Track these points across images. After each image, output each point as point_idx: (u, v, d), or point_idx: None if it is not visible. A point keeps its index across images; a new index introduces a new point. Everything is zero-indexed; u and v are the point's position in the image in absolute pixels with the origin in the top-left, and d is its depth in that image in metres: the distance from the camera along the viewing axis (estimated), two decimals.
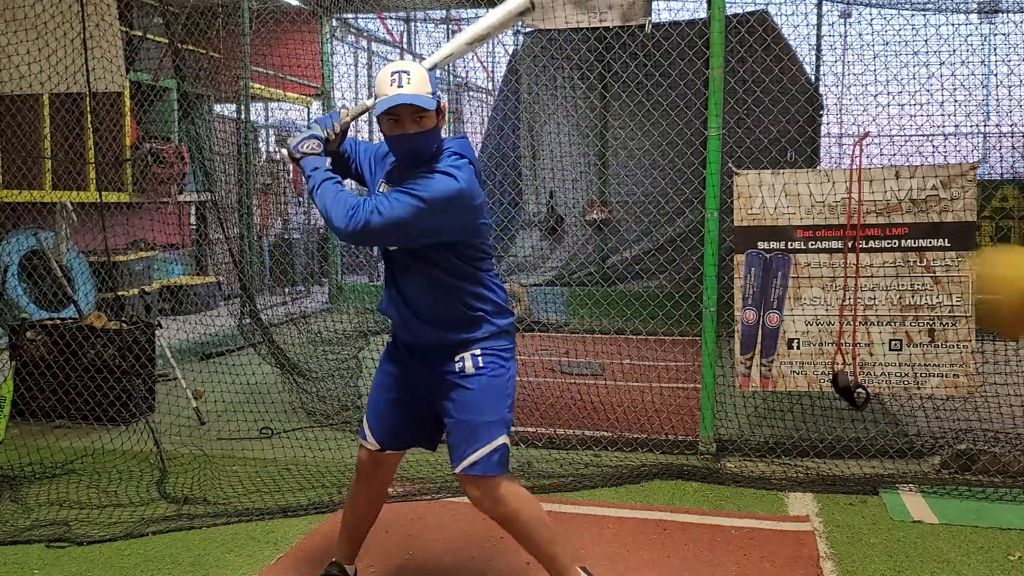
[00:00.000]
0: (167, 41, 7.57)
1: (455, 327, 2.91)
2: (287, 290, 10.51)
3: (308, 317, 8.00)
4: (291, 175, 12.55)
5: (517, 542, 2.99)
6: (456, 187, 2.75)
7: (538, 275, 10.08)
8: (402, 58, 14.73)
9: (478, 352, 2.91)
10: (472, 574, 3.48)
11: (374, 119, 3.27)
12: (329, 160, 2.98)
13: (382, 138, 2.94)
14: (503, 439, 2.90)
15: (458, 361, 2.91)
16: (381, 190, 2.94)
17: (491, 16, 3.08)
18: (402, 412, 3.06)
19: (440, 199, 2.73)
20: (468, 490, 2.93)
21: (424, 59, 3.06)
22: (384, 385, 3.10)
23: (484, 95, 14.53)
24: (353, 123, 3.09)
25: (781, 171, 4.73)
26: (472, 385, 2.90)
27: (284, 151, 2.96)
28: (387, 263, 3.01)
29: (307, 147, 2.92)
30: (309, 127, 2.98)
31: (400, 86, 2.77)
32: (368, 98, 3.03)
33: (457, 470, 2.90)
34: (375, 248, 3.00)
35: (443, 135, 2.95)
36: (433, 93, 2.81)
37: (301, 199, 12.51)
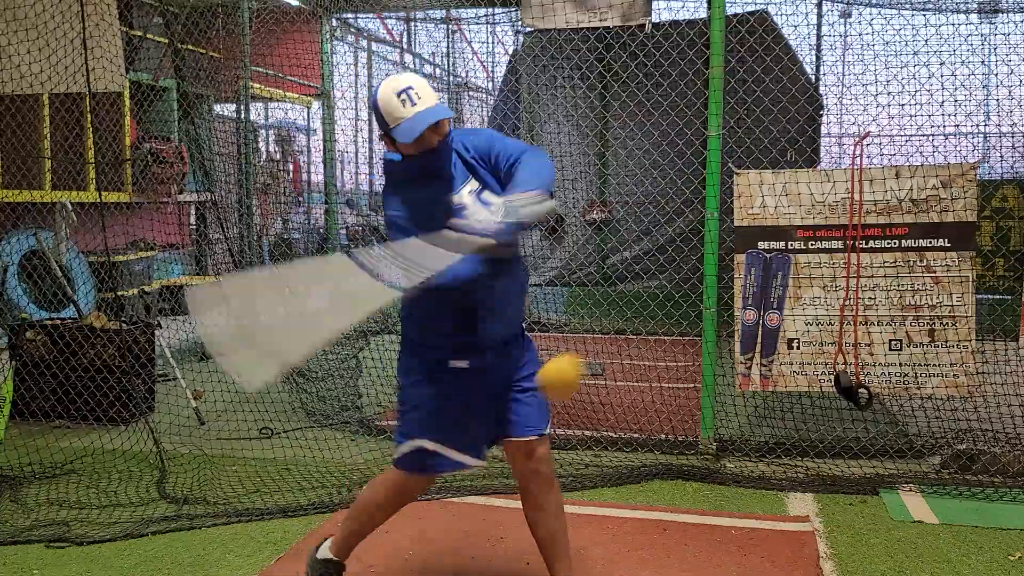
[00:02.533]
0: (167, 41, 7.57)
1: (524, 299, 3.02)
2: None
3: None
4: (291, 175, 12.55)
5: (548, 509, 2.98)
6: None
7: (538, 275, 10.08)
8: (402, 58, 14.71)
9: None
10: (472, 574, 3.48)
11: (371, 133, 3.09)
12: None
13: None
14: None
15: (523, 336, 3.02)
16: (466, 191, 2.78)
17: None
18: (482, 421, 2.93)
19: None
20: (540, 450, 2.95)
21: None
22: (454, 408, 2.88)
23: (484, 95, 14.52)
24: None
25: (781, 171, 4.73)
26: (534, 353, 3.04)
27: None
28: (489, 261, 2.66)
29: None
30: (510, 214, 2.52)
31: (414, 104, 2.64)
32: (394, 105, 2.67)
33: (546, 432, 2.98)
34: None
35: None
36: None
37: (301, 199, 12.51)
